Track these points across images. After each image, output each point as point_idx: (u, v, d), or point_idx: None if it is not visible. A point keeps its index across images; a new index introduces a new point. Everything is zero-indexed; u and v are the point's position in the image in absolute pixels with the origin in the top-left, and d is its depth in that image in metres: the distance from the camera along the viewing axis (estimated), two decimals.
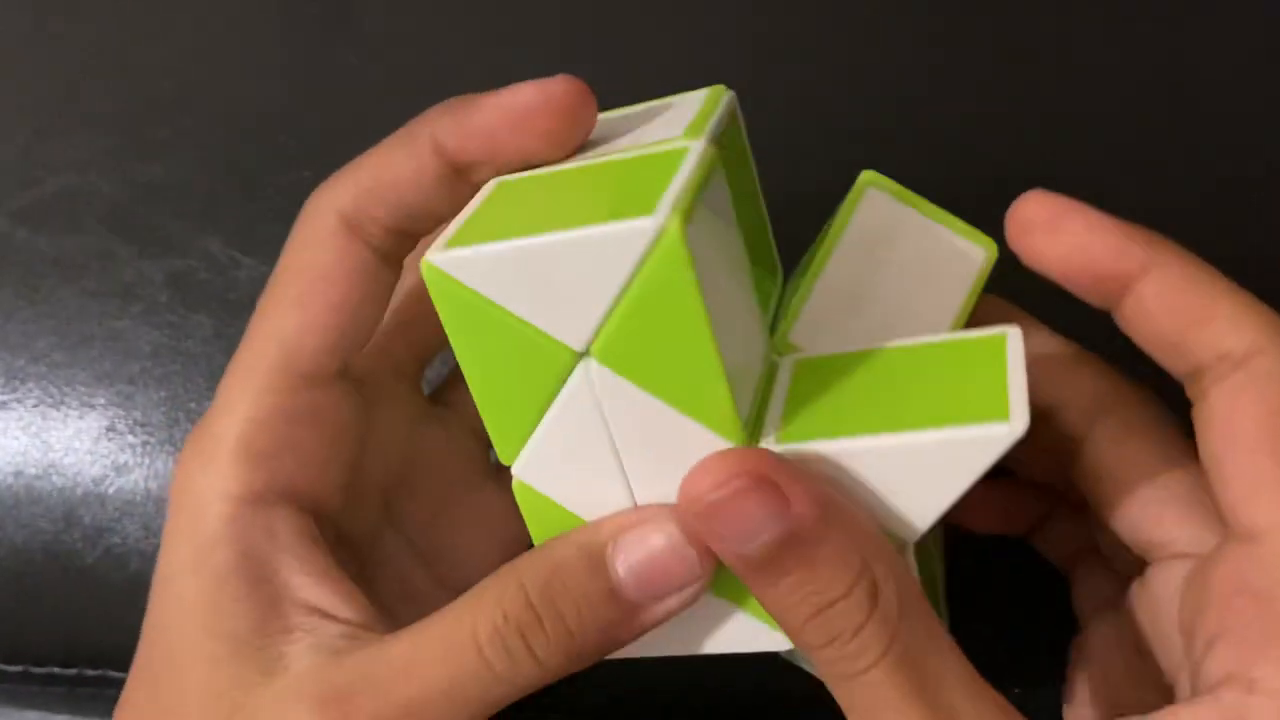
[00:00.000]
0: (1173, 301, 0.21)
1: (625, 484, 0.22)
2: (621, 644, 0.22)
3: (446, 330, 0.21)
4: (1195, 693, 0.21)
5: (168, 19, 0.36)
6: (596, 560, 0.21)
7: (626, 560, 0.21)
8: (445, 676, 0.21)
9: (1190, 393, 0.22)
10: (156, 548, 0.32)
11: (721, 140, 0.22)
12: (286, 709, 0.21)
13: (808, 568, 0.20)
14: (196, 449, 0.24)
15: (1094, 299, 0.23)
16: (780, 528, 0.20)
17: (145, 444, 0.34)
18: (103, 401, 0.34)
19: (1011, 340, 0.22)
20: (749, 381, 0.22)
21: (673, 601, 0.21)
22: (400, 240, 0.24)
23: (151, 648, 0.24)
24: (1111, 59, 0.33)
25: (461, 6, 0.35)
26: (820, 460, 0.21)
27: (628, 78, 0.34)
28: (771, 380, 0.23)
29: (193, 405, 0.34)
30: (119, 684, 0.34)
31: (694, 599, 0.21)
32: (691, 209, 0.19)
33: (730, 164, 0.23)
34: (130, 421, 0.34)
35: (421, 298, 0.25)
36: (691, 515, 0.20)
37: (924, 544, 0.23)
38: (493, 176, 0.23)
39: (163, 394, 0.34)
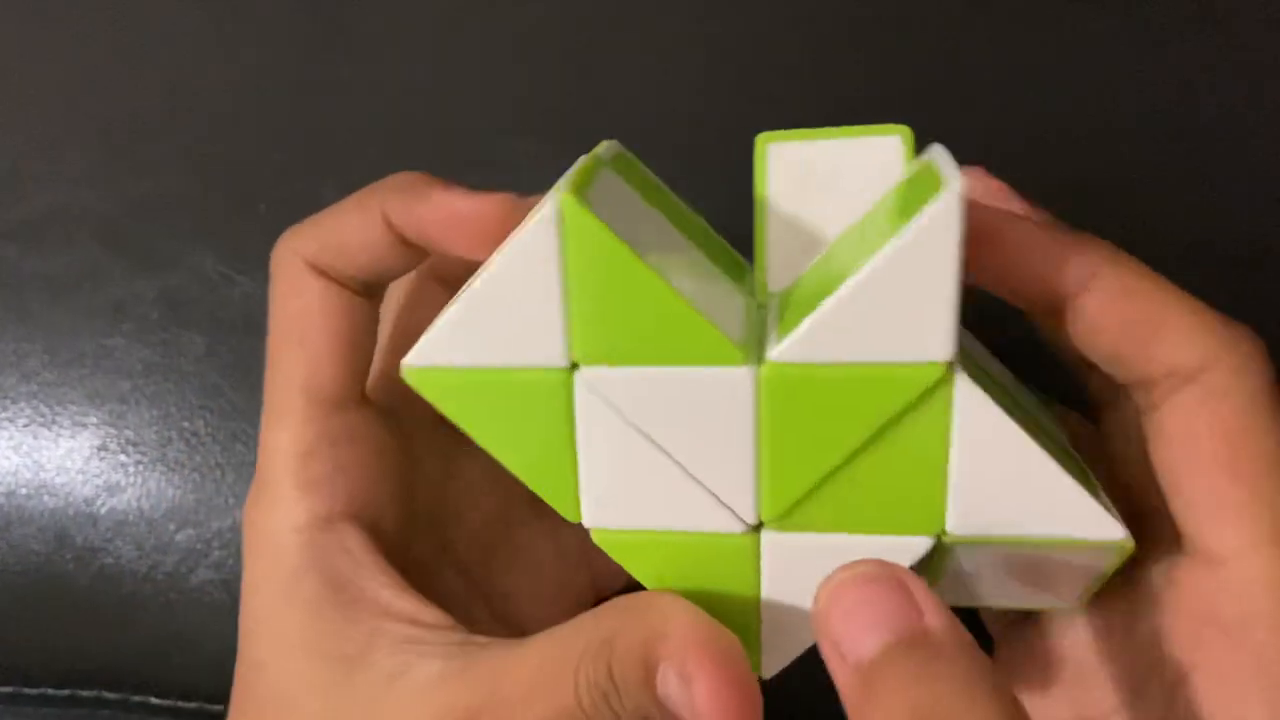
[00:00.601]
0: (1117, 314, 0.21)
1: (684, 474, 0.22)
2: None
3: (458, 424, 0.22)
4: None
5: (159, 34, 0.36)
6: (650, 674, 0.21)
7: (667, 690, 0.21)
8: (553, 708, 0.21)
9: (1138, 401, 0.22)
10: (150, 568, 0.34)
11: (617, 165, 0.23)
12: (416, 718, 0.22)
13: (929, 682, 0.18)
14: (255, 499, 0.25)
15: (1031, 310, 0.22)
16: (905, 626, 0.19)
17: (137, 463, 0.33)
18: (94, 421, 0.34)
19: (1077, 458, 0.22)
20: (728, 313, 0.21)
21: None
22: (369, 284, 0.25)
23: (253, 689, 0.24)
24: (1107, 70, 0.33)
25: (456, 18, 0.35)
26: (986, 421, 0.20)
27: (620, 85, 0.34)
28: (764, 320, 0.22)
29: (185, 424, 0.33)
30: (113, 705, 0.34)
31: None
32: (580, 185, 0.20)
33: (637, 177, 0.24)
34: (122, 440, 0.34)
35: (414, 327, 0.26)
36: (816, 620, 0.20)
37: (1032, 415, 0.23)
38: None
39: (155, 413, 0.34)
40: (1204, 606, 0.21)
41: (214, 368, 0.33)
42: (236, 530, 0.33)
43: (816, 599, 0.20)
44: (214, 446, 0.33)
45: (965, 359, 0.21)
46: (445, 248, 0.24)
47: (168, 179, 0.35)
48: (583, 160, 0.22)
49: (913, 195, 0.20)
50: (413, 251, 0.24)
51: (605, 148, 0.23)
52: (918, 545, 0.21)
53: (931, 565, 0.22)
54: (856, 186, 0.22)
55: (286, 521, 0.24)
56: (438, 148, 0.34)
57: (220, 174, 0.35)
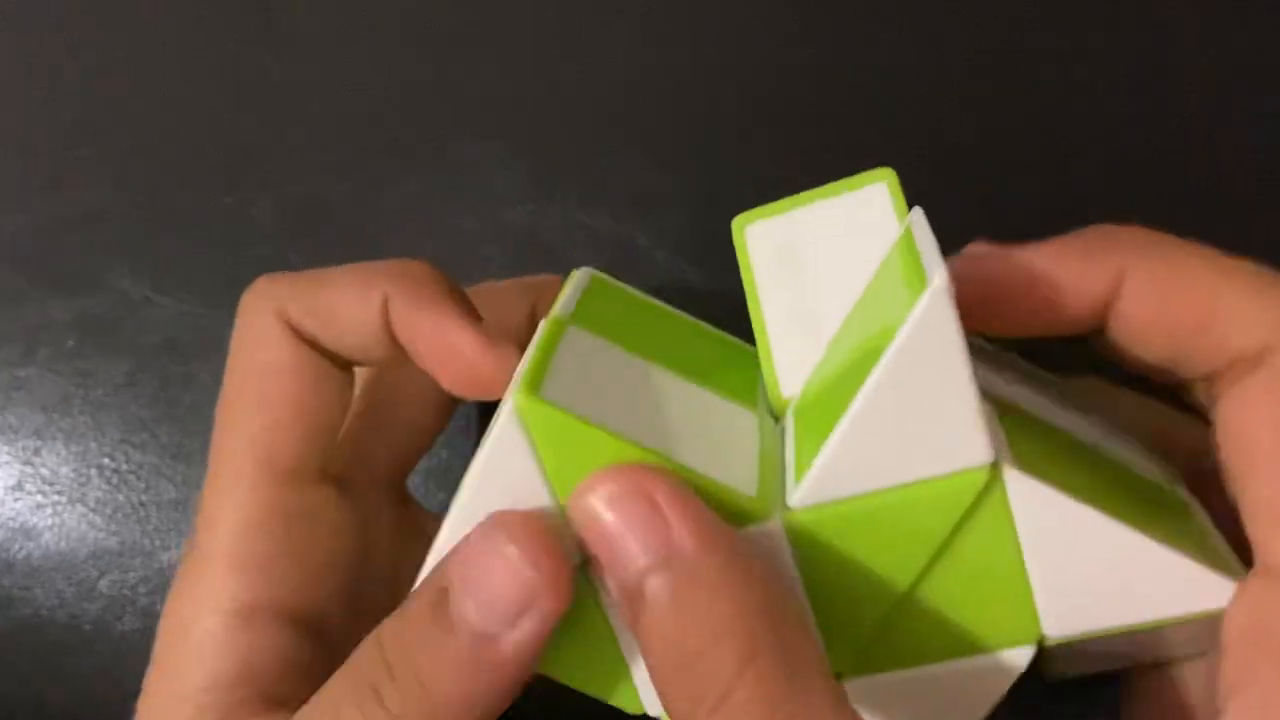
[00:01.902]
0: (1158, 313, 0.19)
1: None
2: (498, 685, 0.20)
3: None
4: None
5: (70, 39, 0.34)
6: (440, 600, 0.19)
7: (467, 591, 0.19)
8: None
9: (1203, 397, 0.20)
10: (73, 617, 0.33)
11: (586, 307, 0.22)
12: None
13: (681, 602, 0.18)
14: (185, 571, 0.23)
15: (1080, 332, 0.20)
16: (655, 555, 0.18)
17: (55, 504, 0.32)
18: (6, 458, 0.32)
19: (1188, 500, 0.21)
20: (738, 456, 0.20)
21: (527, 626, 0.19)
22: (348, 361, 0.23)
23: None
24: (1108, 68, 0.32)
25: (396, 15, 0.34)
26: (1050, 509, 0.19)
27: (558, 77, 0.33)
28: (782, 444, 0.21)
29: (105, 460, 0.32)
30: None
31: (550, 620, 0.19)
32: (535, 373, 0.19)
33: (614, 314, 0.23)
34: (38, 480, 0.32)
35: (393, 399, 0.25)
36: (582, 530, 0.19)
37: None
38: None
39: (73, 448, 0.32)
40: (1257, 621, 0.19)
41: (136, 398, 0.32)
42: (164, 574, 0.32)
43: (573, 506, 0.19)
44: (137, 484, 0.32)
45: (1016, 429, 0.20)
46: (431, 372, 0.22)
47: (82, 193, 0.33)
48: (541, 328, 0.21)
49: (904, 277, 0.19)
50: (402, 351, 0.23)
51: (570, 291, 0.22)
52: (1019, 658, 0.20)
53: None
54: (850, 255, 0.21)
55: (205, 604, 0.22)
56: (378, 152, 0.33)
57: (140, 187, 0.33)
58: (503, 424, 0.19)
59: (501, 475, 0.19)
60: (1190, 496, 0.22)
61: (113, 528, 0.32)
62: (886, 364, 0.17)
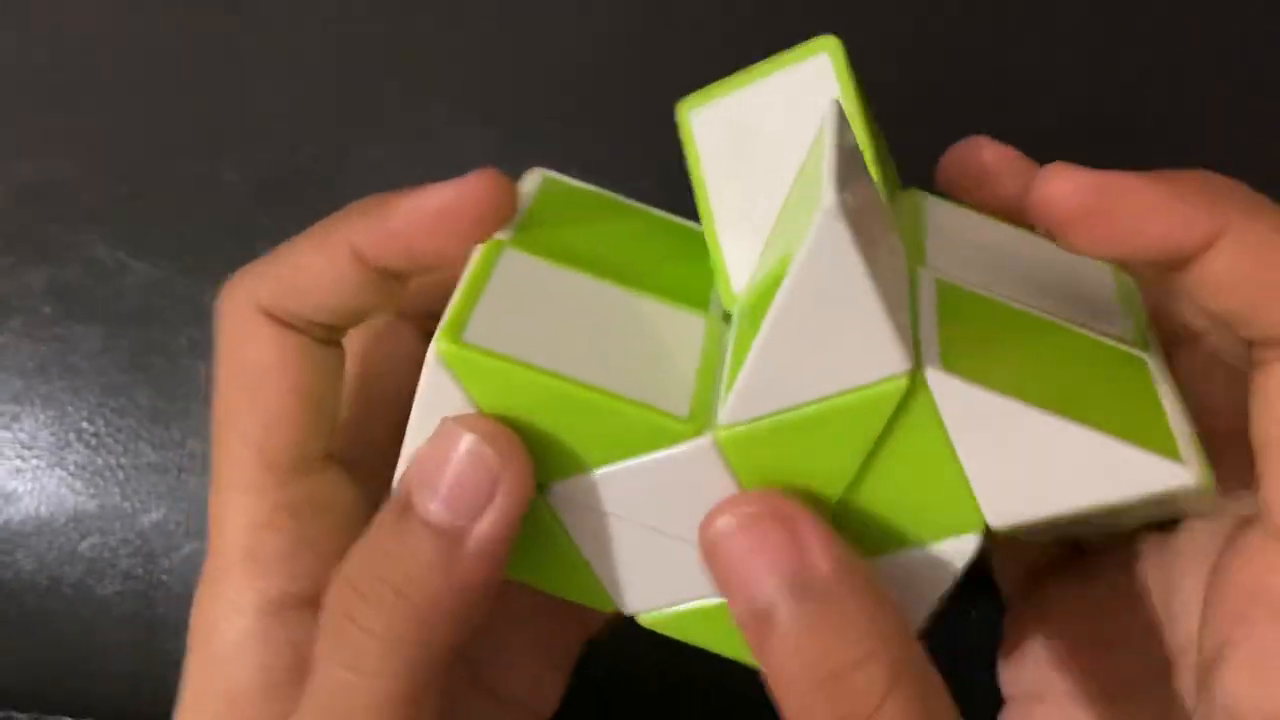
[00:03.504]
0: (1249, 276, 0.19)
1: (690, 545, 0.20)
2: (474, 581, 0.20)
3: None
4: (1206, 708, 0.20)
5: (39, 7, 0.34)
6: (404, 505, 0.19)
7: (430, 489, 0.19)
8: (315, 709, 0.20)
9: (1244, 354, 0.20)
10: (53, 580, 0.32)
11: (526, 223, 0.22)
12: None
13: (820, 626, 0.18)
14: (206, 579, 0.22)
15: (1148, 274, 0.21)
16: (794, 570, 0.18)
17: (35, 469, 0.32)
18: None
19: (1154, 366, 0.20)
20: (674, 372, 0.20)
21: (496, 512, 0.19)
22: (333, 329, 0.23)
23: None
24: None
25: None
26: (977, 407, 0.19)
27: (528, 43, 0.33)
28: (914, 295, 0.21)
29: (84, 424, 0.32)
30: None
31: (517, 502, 0.19)
32: (459, 315, 0.20)
33: (562, 224, 0.23)
34: (16, 445, 0.32)
35: (386, 369, 0.24)
36: (707, 556, 0.19)
37: None
38: (415, 277, 0.22)
39: (50, 413, 0.32)
40: (1259, 583, 0.19)
41: (112, 363, 0.32)
42: (144, 536, 0.32)
43: (703, 536, 0.19)
44: (115, 447, 0.32)
45: (956, 314, 0.20)
46: (432, 257, 0.21)
47: (53, 159, 0.33)
48: (475, 254, 0.21)
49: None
50: (388, 285, 0.22)
51: (519, 201, 0.22)
52: (964, 546, 0.20)
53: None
54: (797, 138, 0.21)
55: (234, 605, 0.21)
56: (348, 118, 0.33)
57: (111, 152, 0.33)
58: (428, 370, 0.19)
59: (433, 417, 0.20)
60: (1157, 355, 0.21)
61: (92, 491, 0.32)
62: (787, 289, 0.18)
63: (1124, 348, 0.21)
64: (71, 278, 0.32)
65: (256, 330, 0.22)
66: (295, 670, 0.21)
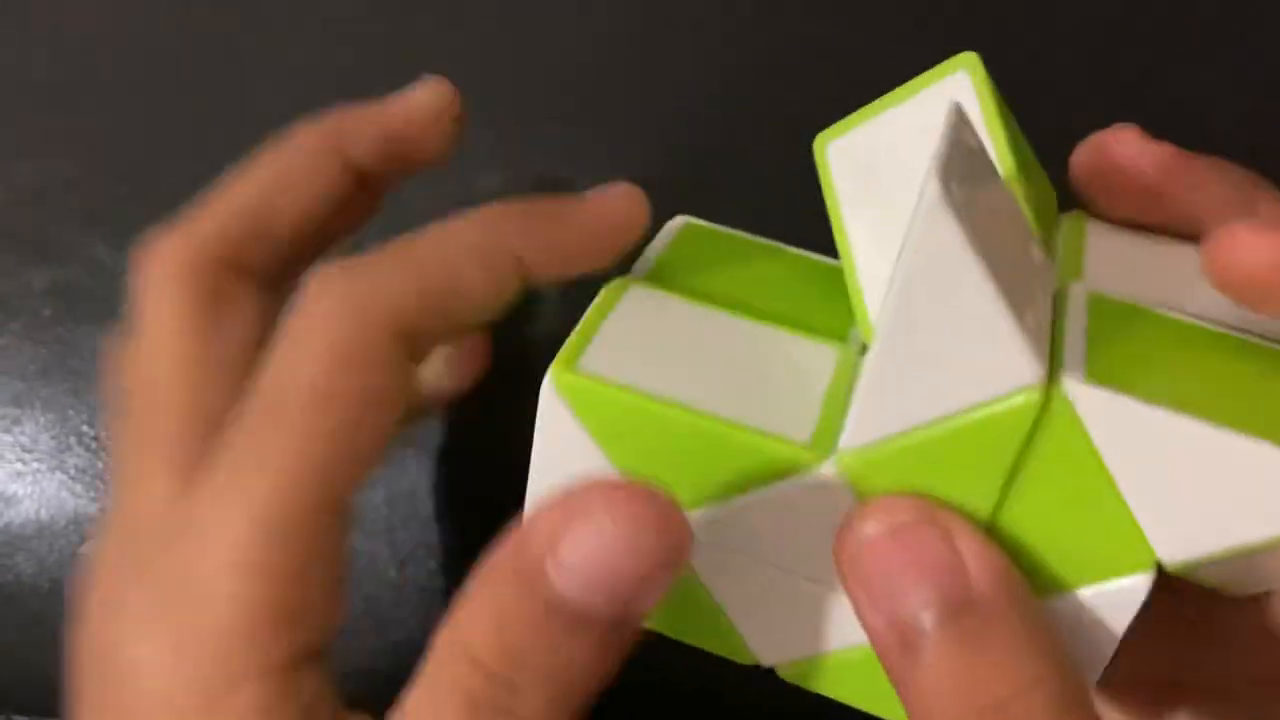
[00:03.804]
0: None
1: (825, 587, 0.19)
2: (625, 648, 0.18)
3: None
4: None
5: (41, 7, 0.34)
6: (539, 591, 0.17)
7: (573, 577, 0.17)
8: None
9: None
10: (54, 584, 0.32)
11: (658, 264, 0.21)
12: None
13: (978, 649, 0.17)
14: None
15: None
16: (951, 588, 0.17)
17: (35, 471, 0.32)
18: None
19: None
20: (798, 400, 0.19)
21: (654, 595, 0.17)
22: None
23: None
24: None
25: None
26: (1133, 423, 0.17)
27: (528, 43, 0.33)
28: (1062, 309, 0.19)
29: (84, 428, 0.32)
30: None
31: (672, 578, 0.17)
32: (576, 346, 0.19)
33: (696, 263, 0.22)
34: (17, 448, 0.32)
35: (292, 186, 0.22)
36: (846, 566, 0.18)
37: None
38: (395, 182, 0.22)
39: (51, 416, 0.32)
40: None
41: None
42: None
43: (844, 543, 0.18)
44: None
45: (1110, 326, 0.18)
46: (427, 156, 0.22)
47: (53, 160, 0.33)
48: (600, 294, 0.20)
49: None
50: (366, 195, 0.22)
51: (654, 245, 0.21)
52: (1135, 587, 0.18)
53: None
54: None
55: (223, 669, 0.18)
56: None
57: (112, 152, 0.33)
58: (543, 400, 0.18)
59: (556, 449, 0.19)
60: None
61: (93, 495, 0.31)
62: (895, 294, 0.16)
63: None
64: (72, 279, 0.32)
65: (385, 358, 0.19)
66: None
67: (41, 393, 0.32)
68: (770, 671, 0.21)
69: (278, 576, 0.18)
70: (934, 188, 0.15)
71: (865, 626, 0.18)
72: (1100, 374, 0.17)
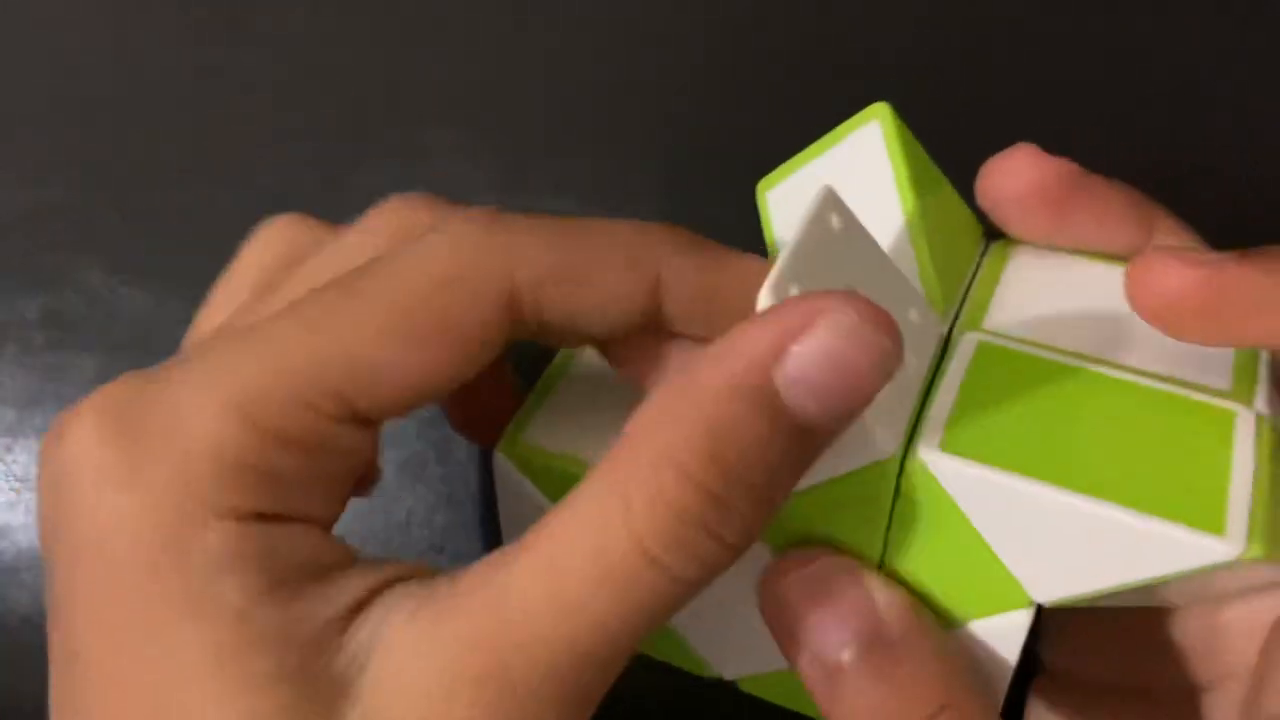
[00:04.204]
0: None
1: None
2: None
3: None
4: None
5: (35, 23, 0.34)
6: (769, 401, 0.16)
7: (807, 381, 0.16)
8: (616, 599, 0.16)
9: None
10: (45, 616, 0.32)
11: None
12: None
13: (892, 679, 0.19)
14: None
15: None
16: (865, 627, 0.19)
17: (28, 501, 0.31)
18: None
19: (1242, 425, 0.19)
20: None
21: (864, 397, 0.17)
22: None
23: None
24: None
25: (350, 13, 0.33)
26: (985, 487, 0.18)
27: (525, 67, 0.33)
28: (948, 359, 0.20)
29: None
30: None
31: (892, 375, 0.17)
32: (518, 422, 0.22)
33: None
34: (11, 477, 0.31)
35: None
36: (769, 613, 0.20)
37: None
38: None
39: None
40: None
41: None
42: None
43: (766, 591, 0.20)
44: None
45: (990, 381, 0.19)
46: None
47: (50, 189, 0.33)
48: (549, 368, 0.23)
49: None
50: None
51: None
52: (1018, 622, 0.19)
53: None
54: (852, 202, 0.20)
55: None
56: (346, 145, 0.33)
57: (106, 177, 0.33)
58: (496, 464, 0.21)
59: (512, 502, 0.21)
60: (1258, 408, 0.19)
61: None
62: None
63: (1209, 400, 0.19)
64: (65, 305, 0.32)
65: (490, 309, 0.18)
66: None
67: (34, 421, 0.32)
68: (733, 683, 0.23)
69: (254, 433, 0.17)
70: (771, 277, 0.17)
71: (791, 664, 0.19)
72: (958, 438, 0.18)
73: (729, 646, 0.23)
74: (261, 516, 0.17)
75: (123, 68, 0.34)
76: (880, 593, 0.19)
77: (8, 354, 0.32)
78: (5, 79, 0.34)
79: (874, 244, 0.19)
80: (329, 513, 0.18)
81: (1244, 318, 0.18)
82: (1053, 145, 0.21)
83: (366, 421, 0.18)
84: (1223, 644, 0.21)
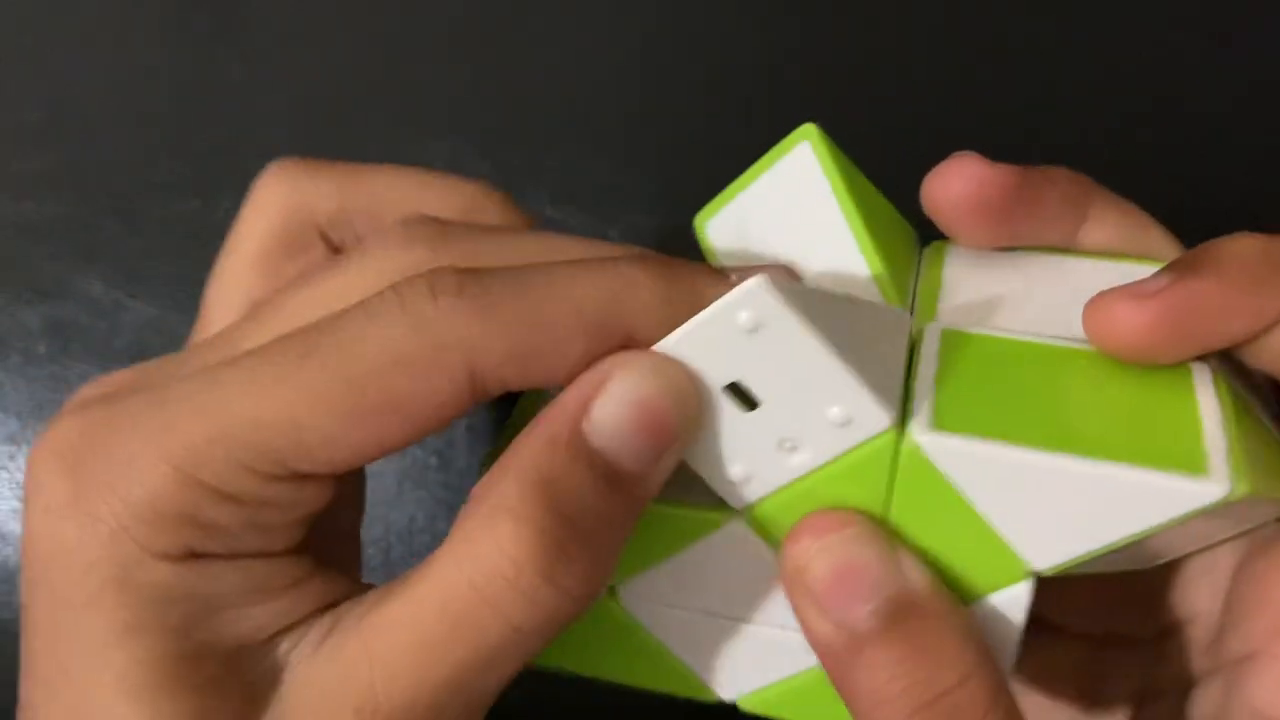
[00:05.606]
0: None
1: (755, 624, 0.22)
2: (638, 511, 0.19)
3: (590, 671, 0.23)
4: (1234, 707, 0.20)
5: (34, 38, 0.34)
6: (584, 449, 0.18)
7: (611, 427, 0.18)
8: (467, 645, 0.17)
9: None
10: None
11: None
12: None
13: (921, 646, 0.18)
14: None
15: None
16: (893, 592, 0.18)
17: None
18: None
19: (1199, 376, 0.19)
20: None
21: (669, 437, 0.18)
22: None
23: None
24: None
25: (357, 14, 0.33)
26: (977, 460, 0.18)
27: (523, 75, 0.33)
28: (916, 351, 0.20)
29: None
30: None
31: (699, 421, 0.19)
32: None
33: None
34: (14, 486, 0.31)
35: None
36: (791, 578, 0.19)
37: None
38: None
39: None
40: None
41: None
42: None
43: (791, 557, 0.19)
44: None
45: (966, 362, 0.19)
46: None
47: (50, 197, 0.33)
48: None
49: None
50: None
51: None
52: (1019, 595, 0.20)
53: None
54: (795, 227, 0.21)
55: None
56: (345, 154, 0.32)
57: (107, 190, 0.33)
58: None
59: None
60: (1209, 359, 0.20)
61: None
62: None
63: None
64: (68, 316, 0.32)
65: (459, 393, 0.18)
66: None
67: (37, 429, 0.32)
68: (733, 706, 0.23)
69: (192, 489, 0.18)
70: (746, 284, 0.17)
71: (811, 634, 0.19)
72: (946, 417, 0.19)
73: (729, 663, 0.22)
74: (196, 555, 0.18)
75: (124, 79, 0.34)
76: (908, 560, 0.19)
77: (11, 364, 0.32)
78: (7, 91, 0.34)
79: (830, 296, 0.19)
80: (279, 544, 0.19)
81: (1203, 334, 0.19)
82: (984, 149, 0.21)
83: (311, 476, 0.18)
84: (1183, 590, 0.22)
